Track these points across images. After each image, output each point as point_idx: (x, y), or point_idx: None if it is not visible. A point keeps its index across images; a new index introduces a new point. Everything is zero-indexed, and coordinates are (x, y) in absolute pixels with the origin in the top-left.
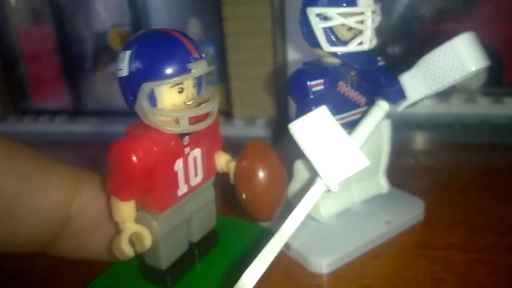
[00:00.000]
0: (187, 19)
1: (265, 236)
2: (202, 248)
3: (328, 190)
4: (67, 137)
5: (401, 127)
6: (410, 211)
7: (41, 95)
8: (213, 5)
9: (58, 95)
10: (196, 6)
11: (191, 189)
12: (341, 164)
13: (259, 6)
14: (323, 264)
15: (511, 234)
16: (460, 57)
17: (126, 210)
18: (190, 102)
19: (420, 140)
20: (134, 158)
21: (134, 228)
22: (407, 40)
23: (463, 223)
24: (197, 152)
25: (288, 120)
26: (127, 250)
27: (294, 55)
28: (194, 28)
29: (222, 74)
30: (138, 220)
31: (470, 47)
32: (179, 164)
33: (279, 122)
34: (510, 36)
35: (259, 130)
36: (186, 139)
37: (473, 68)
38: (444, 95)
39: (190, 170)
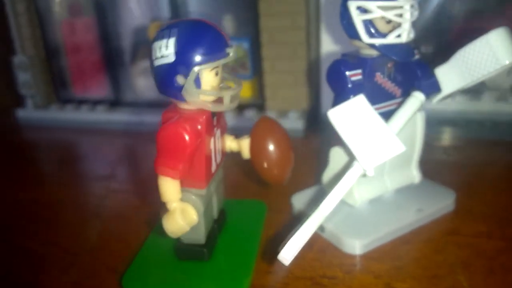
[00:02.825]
0: (222, 15)
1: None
2: (219, 224)
3: (364, 175)
4: (107, 125)
5: (433, 123)
6: (441, 201)
7: (82, 85)
8: (249, 2)
9: (98, 86)
10: (232, 3)
11: (217, 167)
12: (377, 149)
13: (294, 2)
14: (356, 245)
15: None
16: (494, 51)
17: (174, 189)
18: (222, 85)
19: (451, 137)
20: (187, 137)
21: (182, 206)
22: (439, 40)
23: (492, 214)
24: (218, 133)
25: (320, 113)
26: (184, 225)
27: (328, 50)
28: (228, 24)
29: (255, 69)
30: (182, 199)
31: (504, 41)
32: (212, 143)
33: (311, 115)
34: None
35: (291, 122)
36: (215, 120)
37: (507, 62)
38: (476, 93)
39: (217, 149)
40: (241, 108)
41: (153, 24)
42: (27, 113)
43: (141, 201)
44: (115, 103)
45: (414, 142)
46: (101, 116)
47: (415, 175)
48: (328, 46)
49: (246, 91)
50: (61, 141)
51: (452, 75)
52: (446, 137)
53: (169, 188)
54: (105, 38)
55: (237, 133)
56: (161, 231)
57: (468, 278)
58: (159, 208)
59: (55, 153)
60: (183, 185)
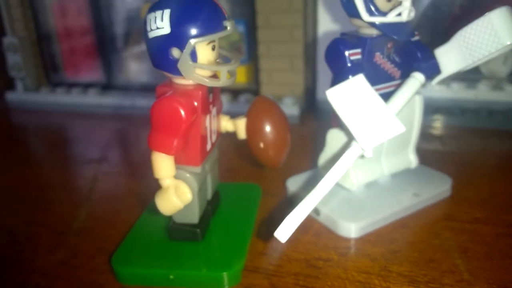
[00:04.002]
0: None
1: (260, 193)
2: (213, 205)
3: (362, 156)
4: (98, 109)
5: (429, 111)
6: (438, 187)
7: (74, 68)
8: None
9: (90, 69)
10: None
11: (212, 146)
12: (377, 129)
13: None
14: (352, 228)
15: None
16: (496, 31)
17: (168, 166)
18: (218, 60)
19: (447, 125)
20: (182, 112)
21: (176, 183)
22: (435, 27)
23: (489, 201)
24: (214, 111)
25: (316, 99)
26: (178, 203)
27: (325, 31)
28: (224, 8)
29: (251, 53)
30: (176, 177)
31: (506, 20)
32: (207, 120)
33: (307, 100)
34: None
35: (287, 108)
36: (211, 97)
37: (508, 42)
38: (471, 81)
39: (212, 127)
40: (236, 93)
41: (146, 5)
42: (17, 96)
43: (133, 183)
44: (106, 87)
45: (412, 125)
46: (92, 99)
47: (412, 160)
48: (326, 26)
49: (241, 76)
50: (51, 125)
51: (452, 56)
52: (442, 125)
53: (163, 164)
54: (97, 21)
55: (233, 117)
56: (154, 210)
57: (466, 263)
58: (151, 190)
59: (46, 136)
60: (178, 162)
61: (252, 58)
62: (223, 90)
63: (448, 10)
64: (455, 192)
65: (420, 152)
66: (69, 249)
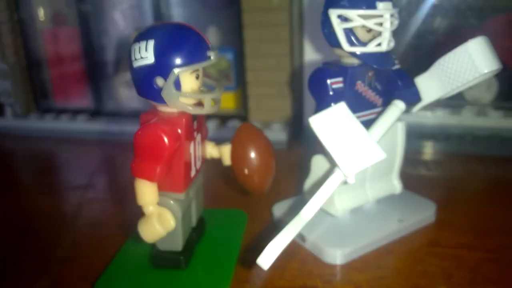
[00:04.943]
0: (206, 26)
1: (245, 219)
2: (198, 232)
3: (345, 182)
4: (87, 135)
5: (414, 137)
6: (422, 212)
7: (64, 94)
8: (233, 13)
9: (79, 96)
10: (216, 14)
11: (196, 172)
12: (358, 156)
13: (278, 14)
14: (337, 255)
15: None
16: (473, 59)
17: (151, 193)
18: (202, 88)
19: (431, 151)
20: (166, 139)
21: (159, 210)
22: (419, 54)
23: (473, 226)
24: (198, 138)
25: (303, 125)
26: (161, 230)
27: (310, 60)
28: (212, 35)
29: (239, 80)
30: (159, 204)
31: (483, 50)
32: (191, 147)
33: (294, 126)
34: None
35: (275, 134)
36: (195, 124)
37: (486, 70)
38: (456, 107)
39: (196, 154)
40: (224, 119)
41: (135, 32)
42: (6, 122)
43: (118, 209)
44: (96, 113)
45: (395, 152)
46: (81, 125)
47: (396, 185)
48: (311, 55)
49: (229, 102)
50: (39, 151)
51: (432, 84)
52: (426, 151)
53: (146, 191)
54: (88, 48)
55: (219, 144)
56: (137, 237)
57: None
58: (137, 216)
59: (33, 162)
60: (161, 189)
61: (240, 85)
62: (211, 116)
63: (432, 39)
64: (440, 217)
65: (405, 177)
66: (52, 277)
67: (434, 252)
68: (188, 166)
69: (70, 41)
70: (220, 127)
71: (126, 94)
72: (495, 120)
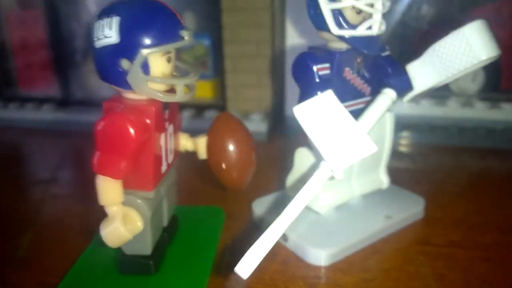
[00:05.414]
0: (182, 11)
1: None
2: (170, 232)
3: (332, 178)
4: (53, 125)
5: (398, 128)
6: (411, 208)
7: (29, 82)
8: None
9: (46, 84)
10: None
11: (168, 167)
12: (347, 149)
13: None
14: (322, 255)
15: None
16: (471, 45)
17: (115, 191)
18: (175, 73)
19: (416, 142)
20: (132, 130)
21: (124, 210)
22: (403, 44)
23: (463, 222)
24: (170, 129)
25: (284, 115)
26: (127, 234)
27: (293, 45)
28: (188, 20)
29: (216, 68)
30: (124, 203)
31: (482, 34)
32: (162, 139)
33: (274, 117)
34: (508, 41)
35: (254, 124)
36: (166, 114)
37: (484, 57)
38: (441, 98)
39: (168, 147)
40: (200, 109)
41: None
42: None
43: (84, 207)
44: (63, 102)
45: (383, 144)
46: (47, 115)
47: (383, 180)
48: (294, 41)
49: (206, 91)
50: (1, 142)
51: (425, 71)
52: (411, 143)
53: (109, 189)
54: (56, 33)
55: (196, 136)
56: (101, 241)
57: None
58: (104, 215)
59: None
60: (127, 186)
61: (218, 73)
62: (186, 105)
63: (417, 26)
64: (428, 213)
65: (390, 170)
66: (7, 283)
67: (425, 251)
68: (158, 160)
69: (37, 26)
70: (196, 118)
71: (96, 83)
72: (481, 112)
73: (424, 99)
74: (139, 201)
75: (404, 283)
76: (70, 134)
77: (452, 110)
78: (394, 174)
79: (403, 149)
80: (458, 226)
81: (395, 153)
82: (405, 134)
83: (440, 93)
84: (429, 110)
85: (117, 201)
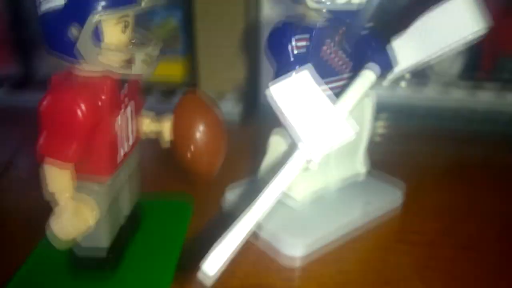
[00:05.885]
0: None
1: (190, 207)
2: (132, 222)
3: (307, 169)
4: (13, 105)
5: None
6: (390, 194)
7: None
8: None
9: (4, 61)
10: None
11: (128, 151)
12: (325, 134)
13: None
14: (297, 245)
15: (495, 222)
16: (463, 17)
17: (65, 177)
18: (133, 41)
19: (395, 125)
20: (83, 107)
21: (78, 198)
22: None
23: (445, 210)
24: (130, 109)
25: (259, 96)
26: (79, 225)
27: (269, 22)
28: None
29: (187, 44)
30: (78, 190)
31: (470, 8)
32: (118, 121)
33: (248, 98)
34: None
35: (228, 105)
36: (124, 89)
37: (475, 29)
38: (420, 82)
39: (128, 128)
40: (170, 90)
41: None
42: None
43: (36, 198)
44: (24, 81)
45: (361, 130)
46: (5, 95)
47: (361, 167)
48: (269, 17)
49: (176, 70)
50: None
51: (410, 47)
52: (390, 125)
53: (58, 174)
54: (18, 9)
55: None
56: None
57: (427, 285)
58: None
59: None
60: (81, 171)
61: (188, 50)
62: (153, 86)
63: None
64: (408, 200)
65: (369, 155)
66: None
67: (405, 239)
68: (114, 145)
69: None
70: (165, 101)
71: (59, 62)
72: (460, 96)
73: (402, 82)
74: (96, 187)
75: (384, 276)
76: (31, 115)
77: (432, 94)
78: (372, 158)
79: (381, 131)
80: (440, 214)
81: (372, 136)
82: (383, 117)
83: (419, 76)
84: (408, 92)
85: (68, 187)
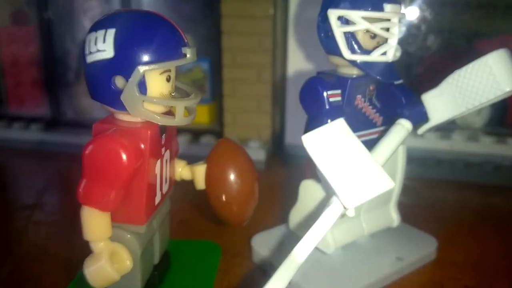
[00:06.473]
0: None
1: (219, 253)
2: (161, 270)
3: (343, 215)
4: (42, 146)
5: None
6: (422, 249)
7: (18, 101)
8: (211, 18)
9: (36, 103)
10: (192, 19)
11: (162, 198)
12: (361, 184)
13: (261, 21)
14: None
15: None
16: (495, 74)
17: (102, 225)
18: (174, 94)
19: (422, 177)
20: (124, 156)
21: (112, 247)
22: (406, 76)
23: (477, 265)
24: (167, 155)
25: (284, 143)
26: (114, 274)
27: (295, 72)
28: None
29: (214, 92)
30: (112, 238)
31: (505, 64)
32: (157, 167)
33: (274, 145)
34: None
35: (252, 152)
36: (163, 138)
37: (508, 88)
38: (446, 131)
39: (163, 175)
40: (196, 134)
41: None
42: None
43: (69, 236)
44: (53, 123)
45: (394, 179)
46: (35, 135)
47: (393, 218)
48: (296, 66)
49: (203, 115)
50: None
51: (443, 102)
52: (417, 177)
53: (96, 223)
54: (49, 51)
55: (191, 162)
56: (84, 279)
57: None
58: (87, 251)
59: None
60: (115, 219)
61: (216, 97)
62: (181, 130)
63: (422, 57)
64: (440, 254)
65: (398, 206)
66: None
67: None
68: (152, 190)
69: (29, 42)
70: (192, 143)
71: (88, 103)
72: (487, 146)
73: (429, 132)
74: (129, 236)
75: None
76: (59, 156)
77: (458, 144)
78: (401, 210)
79: (408, 183)
80: (473, 269)
81: (402, 188)
82: (409, 167)
83: (444, 126)
84: (434, 143)
85: (105, 236)
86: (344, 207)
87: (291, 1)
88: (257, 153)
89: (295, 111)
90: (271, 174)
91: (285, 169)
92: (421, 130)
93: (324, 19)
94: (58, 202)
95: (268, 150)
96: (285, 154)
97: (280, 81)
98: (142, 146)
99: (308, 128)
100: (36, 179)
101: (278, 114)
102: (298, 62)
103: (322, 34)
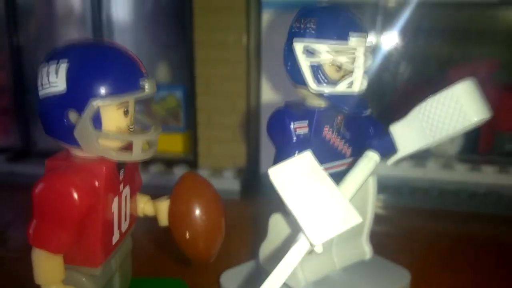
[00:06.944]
0: (155, 61)
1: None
2: None
3: (311, 252)
4: (10, 178)
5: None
6: (395, 283)
7: None
8: (185, 46)
9: (5, 132)
10: (165, 47)
11: (121, 237)
12: (328, 220)
13: (234, 49)
14: None
15: None
16: (462, 105)
17: (55, 268)
18: (132, 127)
19: (396, 205)
20: (75, 195)
21: None
22: (379, 104)
23: None
24: (126, 191)
25: (259, 173)
26: None
27: (268, 101)
28: (161, 71)
29: (189, 121)
30: (66, 281)
31: (472, 95)
32: (115, 204)
33: (248, 175)
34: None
35: (226, 182)
36: (121, 174)
37: (476, 118)
38: (420, 159)
39: (122, 212)
40: (169, 164)
41: None
42: None
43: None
44: (23, 153)
45: (365, 211)
46: (4, 166)
47: (366, 250)
48: (269, 96)
49: (177, 145)
50: None
51: (410, 133)
52: (390, 206)
53: (47, 265)
54: (18, 79)
55: (163, 195)
56: None
57: None
58: None
59: None
60: (69, 261)
61: (189, 126)
62: (154, 159)
63: (395, 85)
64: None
65: (370, 236)
66: None
67: None
68: (108, 229)
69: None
70: (165, 173)
71: None
72: (461, 174)
73: (403, 160)
74: (84, 279)
75: None
76: (27, 189)
77: (432, 172)
78: (375, 240)
79: (380, 212)
80: None
81: (374, 217)
82: (382, 196)
83: (418, 154)
84: (408, 171)
85: (56, 280)
86: (311, 244)
87: (264, 30)
88: (231, 182)
89: (270, 141)
90: (246, 204)
91: (260, 198)
92: (390, 161)
93: (289, 50)
94: (24, 237)
95: (242, 179)
96: (260, 183)
97: (254, 109)
98: (97, 183)
99: (276, 160)
100: (1, 212)
101: (253, 144)
102: (271, 91)
103: (289, 65)
